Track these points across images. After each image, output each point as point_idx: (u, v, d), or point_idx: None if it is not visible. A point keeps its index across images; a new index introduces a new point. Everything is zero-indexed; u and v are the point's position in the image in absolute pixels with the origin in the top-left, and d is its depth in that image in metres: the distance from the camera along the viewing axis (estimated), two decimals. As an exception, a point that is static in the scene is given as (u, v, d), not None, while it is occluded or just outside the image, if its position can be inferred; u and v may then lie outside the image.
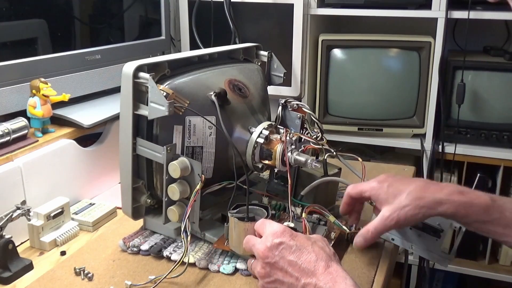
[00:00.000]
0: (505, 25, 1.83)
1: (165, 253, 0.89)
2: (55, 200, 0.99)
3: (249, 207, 0.84)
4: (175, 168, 0.83)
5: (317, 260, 0.69)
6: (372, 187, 0.83)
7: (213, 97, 0.89)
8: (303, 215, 0.87)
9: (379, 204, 0.82)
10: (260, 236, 0.76)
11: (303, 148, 0.94)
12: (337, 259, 0.72)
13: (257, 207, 0.86)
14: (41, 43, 1.19)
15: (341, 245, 0.91)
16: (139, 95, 0.85)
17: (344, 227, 0.91)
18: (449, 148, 1.66)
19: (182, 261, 0.82)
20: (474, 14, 1.55)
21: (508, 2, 0.66)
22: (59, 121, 1.14)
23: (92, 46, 1.31)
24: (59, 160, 1.06)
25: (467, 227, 0.81)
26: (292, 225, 0.83)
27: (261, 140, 0.93)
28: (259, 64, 1.08)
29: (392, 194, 0.79)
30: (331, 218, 0.91)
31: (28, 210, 0.89)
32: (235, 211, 0.85)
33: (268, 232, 0.74)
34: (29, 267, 0.89)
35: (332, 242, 0.89)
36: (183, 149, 0.89)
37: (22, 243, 0.97)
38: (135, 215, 0.93)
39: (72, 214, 1.03)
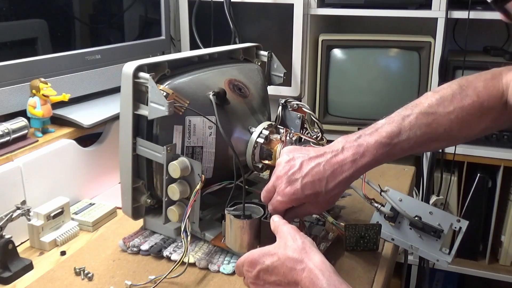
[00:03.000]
0: (505, 25, 1.83)
1: (165, 253, 0.89)
2: (55, 200, 0.99)
3: (246, 205, 0.84)
4: (175, 168, 0.83)
5: (292, 269, 0.69)
6: (298, 199, 0.79)
7: (211, 97, 0.89)
8: None
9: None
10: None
11: (303, 148, 0.93)
12: (308, 250, 0.70)
13: (254, 205, 0.86)
14: (41, 43, 1.19)
15: (339, 246, 0.91)
16: (139, 95, 0.85)
17: (341, 226, 0.91)
18: (449, 148, 1.66)
19: (182, 261, 0.82)
20: (474, 14, 1.55)
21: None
22: (59, 121, 1.14)
23: (92, 46, 1.31)
24: (59, 160, 1.06)
25: None
26: None
27: (261, 140, 0.93)
28: (259, 64, 1.08)
29: (313, 198, 0.79)
30: (330, 219, 0.91)
31: (28, 210, 0.89)
32: (232, 208, 0.85)
33: (244, 270, 0.75)
34: (29, 267, 0.88)
35: (330, 242, 0.89)
36: (183, 149, 0.89)
37: (22, 243, 0.97)
38: (135, 215, 0.93)
39: (72, 214, 1.03)
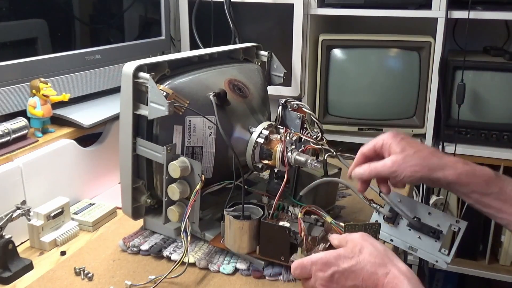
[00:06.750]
0: (505, 25, 1.83)
1: (165, 253, 0.89)
2: (55, 200, 0.99)
3: (245, 205, 0.84)
4: (175, 168, 0.83)
5: (374, 273, 0.68)
6: (384, 138, 0.82)
7: (212, 98, 0.89)
8: (299, 215, 0.87)
9: (387, 154, 0.82)
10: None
11: (303, 148, 0.94)
12: (390, 256, 0.70)
13: (254, 206, 0.86)
14: (41, 43, 1.19)
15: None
16: (139, 95, 0.85)
17: (341, 226, 0.91)
18: (449, 148, 1.66)
19: (182, 261, 0.82)
20: (474, 14, 1.55)
21: None
22: (59, 121, 1.14)
23: (92, 46, 1.31)
24: (59, 160, 1.06)
25: (466, 199, 0.80)
26: (287, 225, 0.83)
27: (261, 140, 0.93)
28: (259, 64, 1.08)
29: (402, 147, 0.79)
30: (328, 219, 0.90)
31: (28, 210, 0.89)
32: (231, 209, 0.85)
33: (314, 269, 0.72)
34: (29, 267, 0.89)
35: (329, 243, 0.89)
36: (183, 149, 0.89)
37: (22, 243, 0.97)
38: (135, 215, 0.93)
39: (72, 214, 1.04)
